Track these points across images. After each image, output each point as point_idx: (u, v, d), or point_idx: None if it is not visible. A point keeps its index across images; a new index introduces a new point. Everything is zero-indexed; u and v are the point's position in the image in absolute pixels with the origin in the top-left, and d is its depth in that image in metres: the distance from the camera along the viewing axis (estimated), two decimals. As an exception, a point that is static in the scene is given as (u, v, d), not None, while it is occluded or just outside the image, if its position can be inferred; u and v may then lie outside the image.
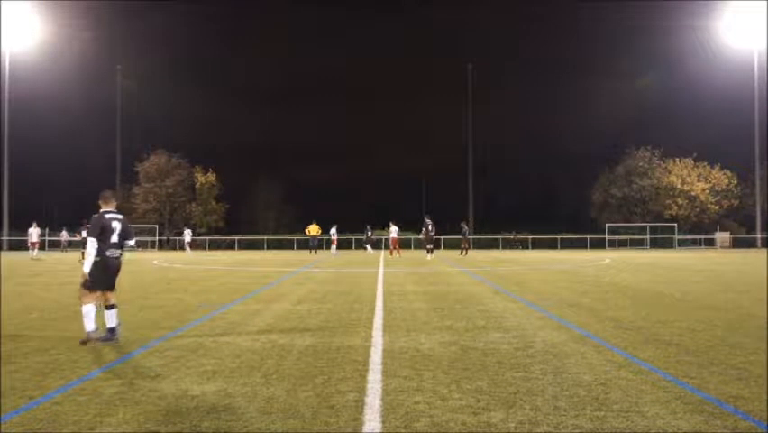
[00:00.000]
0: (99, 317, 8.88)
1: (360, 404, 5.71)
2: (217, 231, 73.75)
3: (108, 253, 8.95)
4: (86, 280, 8.86)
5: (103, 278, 8.93)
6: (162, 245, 62.95)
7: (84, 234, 29.92)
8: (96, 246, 8.84)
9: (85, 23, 73.78)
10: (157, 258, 40.06)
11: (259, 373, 6.93)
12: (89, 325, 8.71)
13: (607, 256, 42.74)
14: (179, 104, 77.19)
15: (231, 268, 28.18)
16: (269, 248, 62.51)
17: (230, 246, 65.52)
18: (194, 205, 74.78)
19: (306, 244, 52.92)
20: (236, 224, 76.63)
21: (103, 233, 8.90)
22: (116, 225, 9.02)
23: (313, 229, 49.76)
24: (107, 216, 9.02)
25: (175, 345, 8.74)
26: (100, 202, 9.17)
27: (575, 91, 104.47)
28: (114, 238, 9.00)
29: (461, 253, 43.25)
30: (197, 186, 75.01)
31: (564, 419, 5.28)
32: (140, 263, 32.42)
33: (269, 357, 7.82)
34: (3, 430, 5.08)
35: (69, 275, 22.50)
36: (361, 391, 6.17)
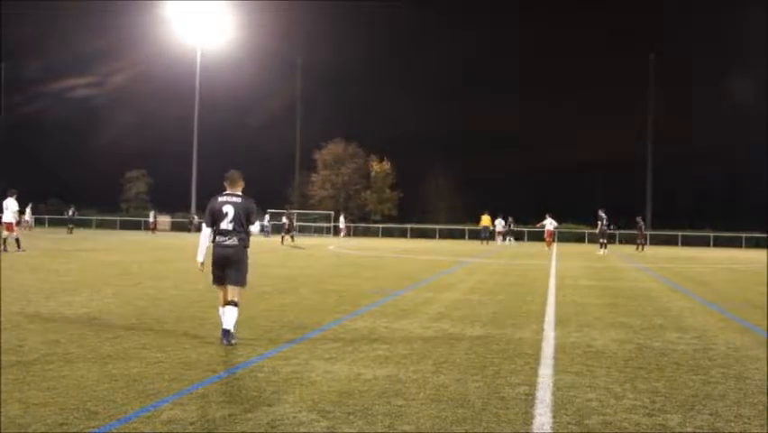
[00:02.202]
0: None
1: (530, 398, 5.65)
2: (391, 219, 74.86)
3: (218, 240, 8.06)
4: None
5: (214, 270, 8.07)
6: (337, 232, 64.70)
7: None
8: (209, 234, 8.14)
9: (269, 20, 76.93)
10: (333, 244, 41.27)
11: (429, 361, 7.01)
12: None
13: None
14: (358, 96, 79.04)
15: (402, 256, 28.63)
16: (440, 237, 62.92)
17: (402, 234, 66.43)
18: (368, 192, 76.34)
19: (477, 235, 52.81)
20: (409, 212, 77.44)
21: (213, 217, 8.07)
22: (227, 210, 7.98)
23: (485, 220, 49.71)
24: (220, 199, 8.11)
25: (349, 328, 9.02)
26: (225, 183, 8.28)
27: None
28: (225, 224, 7.97)
29: (637, 248, 41.66)
30: (372, 174, 76.45)
31: (748, 428, 4.98)
32: (317, 249, 33.57)
33: (439, 345, 7.90)
34: (192, 395, 5.44)
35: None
36: (532, 384, 6.10)
